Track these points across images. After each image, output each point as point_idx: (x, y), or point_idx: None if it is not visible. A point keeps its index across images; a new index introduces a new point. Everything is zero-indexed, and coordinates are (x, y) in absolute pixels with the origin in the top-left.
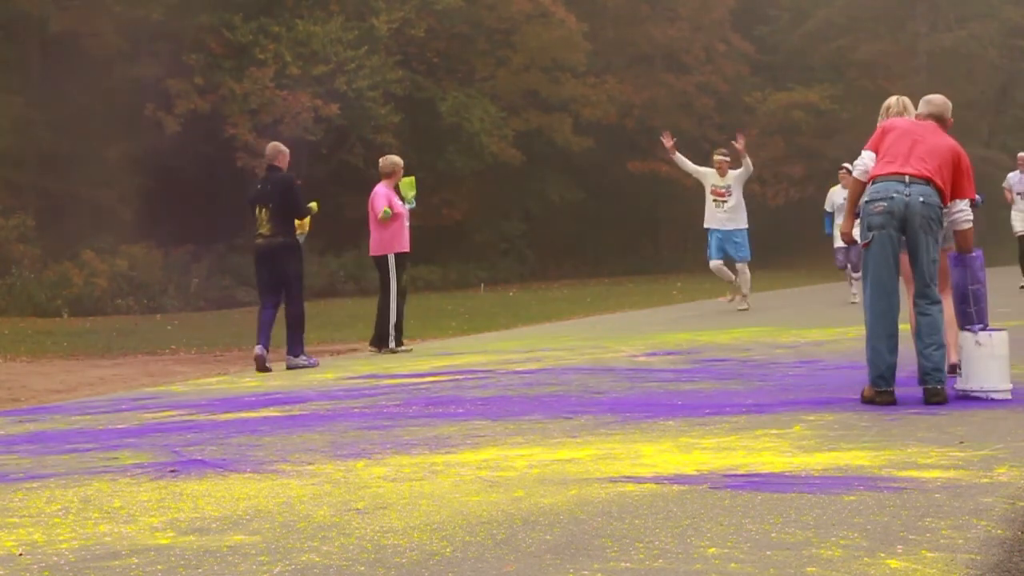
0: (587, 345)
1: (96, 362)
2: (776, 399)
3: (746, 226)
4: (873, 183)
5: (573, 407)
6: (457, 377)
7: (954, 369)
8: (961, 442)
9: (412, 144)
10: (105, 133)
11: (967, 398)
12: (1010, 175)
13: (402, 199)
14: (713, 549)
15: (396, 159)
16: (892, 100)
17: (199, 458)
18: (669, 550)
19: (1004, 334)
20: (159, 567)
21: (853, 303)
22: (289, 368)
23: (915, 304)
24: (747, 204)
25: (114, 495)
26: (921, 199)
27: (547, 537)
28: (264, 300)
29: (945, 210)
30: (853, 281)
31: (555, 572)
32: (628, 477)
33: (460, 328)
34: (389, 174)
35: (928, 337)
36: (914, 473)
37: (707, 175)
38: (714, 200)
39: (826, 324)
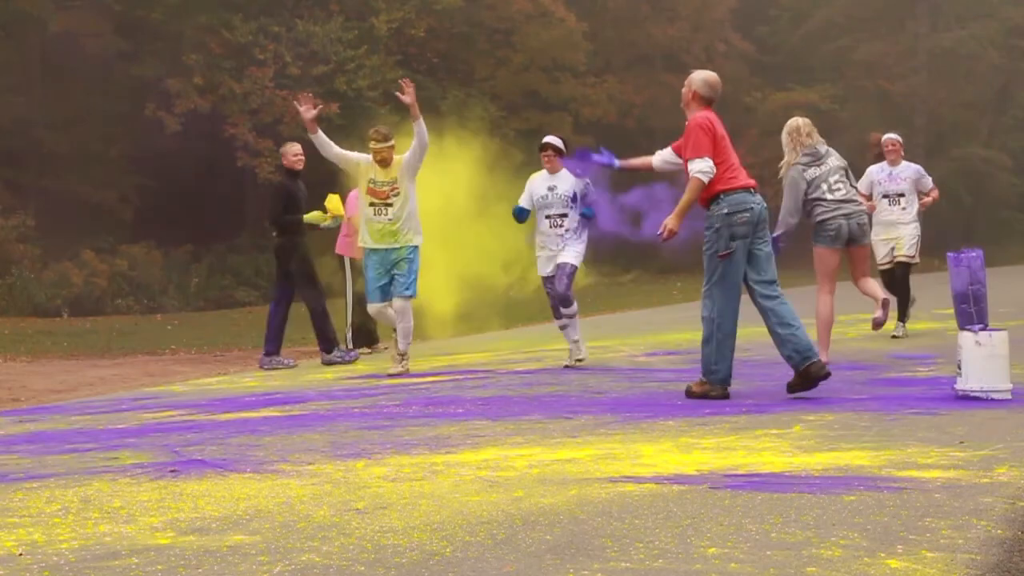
0: (587, 345)
1: (96, 362)
2: (776, 399)
3: (419, 243)
4: (726, 195)
5: (573, 407)
6: (457, 377)
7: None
8: (961, 442)
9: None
10: (105, 133)
11: (967, 398)
12: (871, 168)
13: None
14: (713, 549)
15: None
16: (801, 122)
17: (199, 458)
18: (669, 550)
19: (1004, 334)
20: (159, 567)
21: (580, 360)
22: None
23: (766, 298)
24: None
25: (114, 495)
26: (763, 206)
27: (547, 537)
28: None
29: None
30: (568, 326)
31: (555, 572)
32: (628, 477)
33: (460, 328)
34: None
35: (793, 320)
36: (914, 473)
37: (361, 166)
38: (371, 205)
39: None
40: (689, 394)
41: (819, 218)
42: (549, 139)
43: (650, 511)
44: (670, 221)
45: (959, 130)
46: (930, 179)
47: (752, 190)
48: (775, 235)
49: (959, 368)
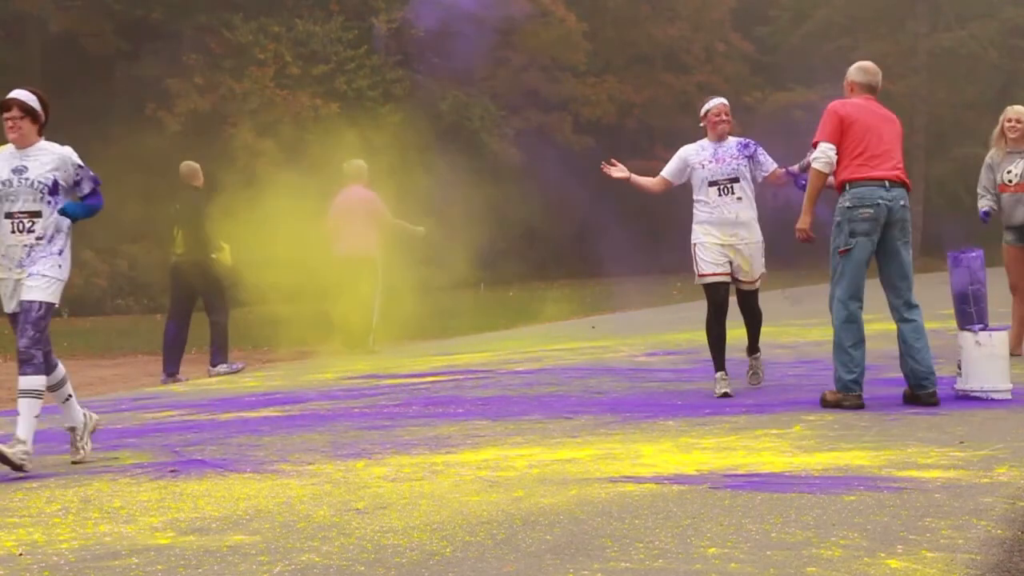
0: (587, 345)
1: (96, 362)
2: (776, 399)
3: None
4: (852, 186)
5: (573, 407)
6: (457, 377)
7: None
8: (961, 442)
9: (412, 144)
10: (105, 133)
11: (967, 398)
12: (686, 149)
13: None
14: (713, 549)
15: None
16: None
17: (199, 458)
18: (669, 550)
19: (1004, 334)
20: (159, 567)
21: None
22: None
23: (897, 310)
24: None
25: (114, 495)
26: (901, 203)
27: (547, 537)
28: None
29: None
30: (24, 411)
31: (555, 572)
32: (628, 477)
33: (460, 328)
34: (357, 176)
35: (917, 341)
36: (914, 473)
37: None
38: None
39: (826, 324)
40: (824, 403)
41: None
42: (16, 95)
43: (650, 511)
44: (800, 221)
45: (959, 130)
46: (770, 160)
47: (888, 183)
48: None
49: (959, 368)
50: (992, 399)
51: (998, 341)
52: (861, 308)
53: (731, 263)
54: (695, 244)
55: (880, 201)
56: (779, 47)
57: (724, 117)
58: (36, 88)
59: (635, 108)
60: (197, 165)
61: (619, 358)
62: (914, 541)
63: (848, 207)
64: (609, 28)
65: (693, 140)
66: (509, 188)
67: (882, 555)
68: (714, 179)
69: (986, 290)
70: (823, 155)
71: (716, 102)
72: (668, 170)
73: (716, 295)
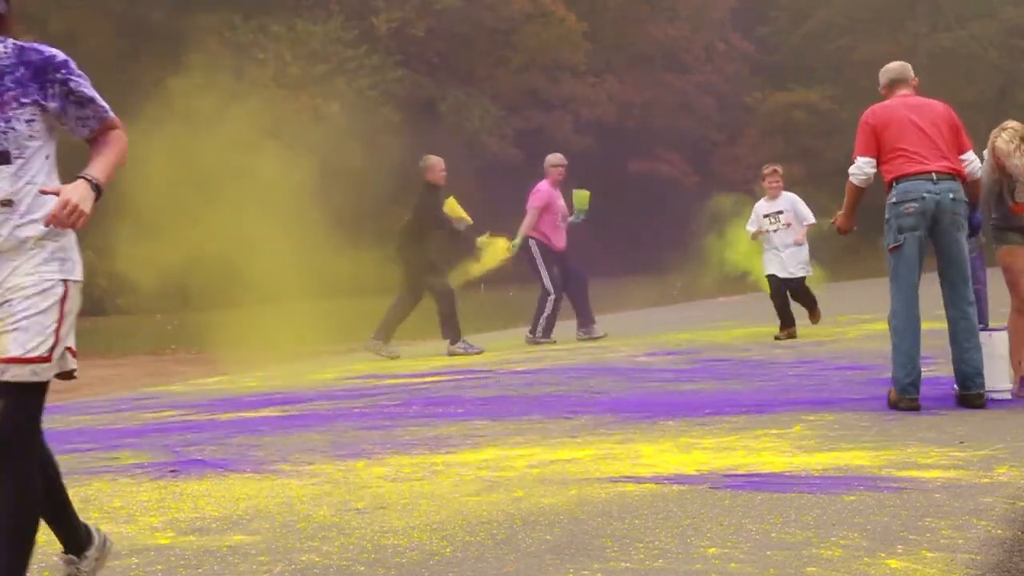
0: (587, 345)
1: (96, 362)
2: (776, 399)
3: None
4: (897, 182)
5: (573, 407)
6: (457, 377)
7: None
8: (961, 442)
9: (412, 144)
10: None
11: None
12: None
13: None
14: (713, 549)
15: (553, 157)
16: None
17: (199, 458)
18: (669, 550)
19: (1004, 334)
20: (159, 567)
21: None
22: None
23: (951, 306)
24: (745, 206)
25: (114, 495)
26: (951, 196)
27: (547, 537)
28: None
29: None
30: None
31: (555, 572)
32: (628, 477)
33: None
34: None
35: (967, 341)
36: (914, 473)
37: None
38: None
39: (826, 324)
40: (889, 402)
41: None
42: None
43: (650, 511)
44: (838, 218)
45: None
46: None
47: (936, 176)
48: None
49: None
50: (992, 399)
51: (998, 341)
52: (918, 308)
53: None
54: None
55: (926, 195)
56: (779, 47)
57: None
58: None
59: (635, 108)
60: (436, 159)
61: (619, 358)
62: (914, 541)
63: (894, 203)
64: (609, 28)
65: (692, 141)
66: (508, 188)
67: (882, 555)
68: None
69: (987, 290)
70: (859, 171)
71: None
72: None
73: None
